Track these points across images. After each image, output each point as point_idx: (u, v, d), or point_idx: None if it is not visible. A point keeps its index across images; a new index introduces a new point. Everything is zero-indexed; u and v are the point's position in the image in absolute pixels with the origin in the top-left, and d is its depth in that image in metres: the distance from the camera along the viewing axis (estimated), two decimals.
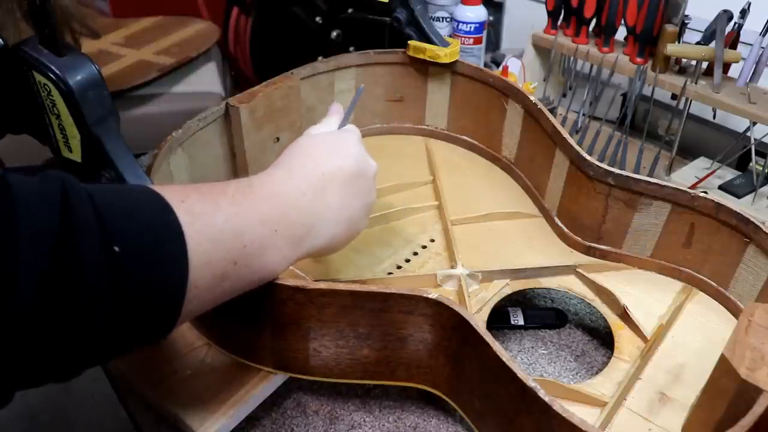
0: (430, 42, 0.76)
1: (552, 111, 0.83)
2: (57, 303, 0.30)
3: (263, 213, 0.42)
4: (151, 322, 0.36)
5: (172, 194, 0.37)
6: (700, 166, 0.81)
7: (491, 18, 1.16)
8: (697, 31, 0.80)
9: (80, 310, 0.31)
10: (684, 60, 0.82)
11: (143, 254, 0.34)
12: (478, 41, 0.98)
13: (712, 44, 0.76)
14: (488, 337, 0.44)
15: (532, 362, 0.59)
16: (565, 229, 0.66)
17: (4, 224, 0.29)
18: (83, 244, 0.31)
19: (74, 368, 0.34)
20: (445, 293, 0.59)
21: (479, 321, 0.47)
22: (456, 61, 0.76)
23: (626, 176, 0.58)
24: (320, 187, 0.47)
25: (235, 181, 0.44)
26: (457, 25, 0.97)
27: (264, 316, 0.48)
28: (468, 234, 0.65)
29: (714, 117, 0.82)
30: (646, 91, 0.81)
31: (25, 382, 0.32)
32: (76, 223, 0.31)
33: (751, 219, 0.54)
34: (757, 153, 0.77)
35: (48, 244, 0.30)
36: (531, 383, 0.40)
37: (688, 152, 0.85)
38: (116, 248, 0.32)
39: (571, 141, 0.63)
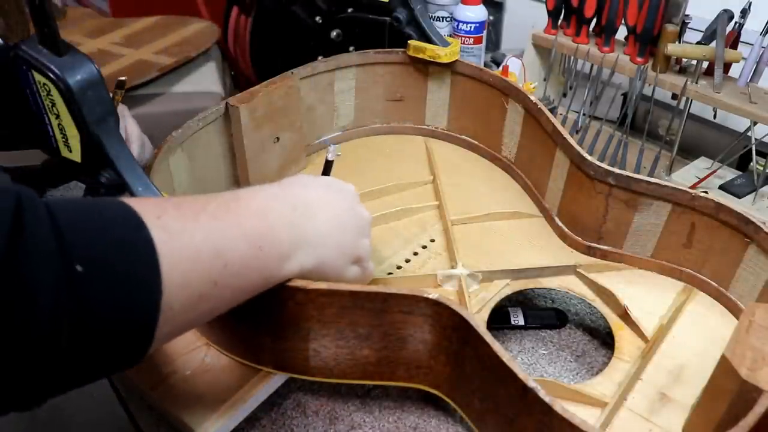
0: (430, 41, 0.76)
1: (552, 111, 0.82)
2: (6, 330, 0.28)
3: (248, 228, 0.40)
4: (121, 346, 0.34)
5: (147, 209, 0.35)
6: (700, 166, 0.81)
7: (491, 18, 1.16)
8: (698, 30, 0.80)
9: (35, 335, 0.29)
10: (684, 60, 0.82)
11: (110, 274, 0.32)
12: (478, 41, 0.98)
13: (713, 44, 0.76)
14: (488, 337, 0.43)
15: (533, 362, 0.59)
16: (566, 229, 0.66)
17: None
18: (34, 265, 0.29)
19: (37, 397, 0.31)
20: (446, 293, 0.59)
21: (479, 321, 0.47)
22: (456, 61, 0.76)
23: (626, 176, 0.58)
24: (311, 210, 0.46)
25: (222, 194, 0.42)
26: (457, 25, 0.97)
27: (264, 316, 0.48)
28: (468, 234, 0.65)
29: (714, 117, 0.82)
30: (647, 91, 0.81)
31: None
32: (28, 243, 0.29)
33: (752, 219, 0.54)
34: (758, 153, 0.76)
35: None
36: (531, 383, 0.40)
37: (688, 152, 0.85)
38: (79, 268, 0.30)
39: (572, 141, 0.62)
